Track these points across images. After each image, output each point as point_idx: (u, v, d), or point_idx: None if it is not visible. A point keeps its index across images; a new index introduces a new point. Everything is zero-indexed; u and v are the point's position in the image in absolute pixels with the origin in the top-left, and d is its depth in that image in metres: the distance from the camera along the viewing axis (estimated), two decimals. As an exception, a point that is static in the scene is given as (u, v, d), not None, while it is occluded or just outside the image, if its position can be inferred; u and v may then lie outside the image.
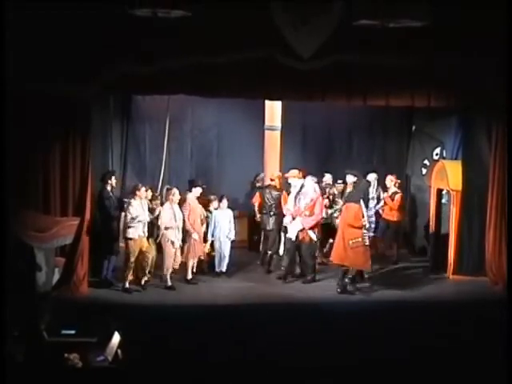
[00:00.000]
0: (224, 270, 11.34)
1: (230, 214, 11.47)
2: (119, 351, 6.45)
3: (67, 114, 9.86)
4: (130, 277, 10.40)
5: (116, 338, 6.55)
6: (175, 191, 10.76)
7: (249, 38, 9.62)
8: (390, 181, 12.25)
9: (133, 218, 10.23)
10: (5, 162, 7.25)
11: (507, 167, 10.46)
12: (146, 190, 10.60)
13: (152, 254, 10.50)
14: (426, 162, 12.98)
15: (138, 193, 10.38)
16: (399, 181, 12.39)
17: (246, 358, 7.68)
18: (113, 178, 10.89)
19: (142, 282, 10.47)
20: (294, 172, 11.45)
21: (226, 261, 11.37)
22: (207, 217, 11.30)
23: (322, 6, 9.47)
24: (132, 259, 10.26)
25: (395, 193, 12.13)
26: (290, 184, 11.63)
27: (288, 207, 11.13)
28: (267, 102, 12.44)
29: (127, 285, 10.33)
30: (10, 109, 7.57)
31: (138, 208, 10.32)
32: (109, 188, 10.75)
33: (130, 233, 10.26)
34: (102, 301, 9.79)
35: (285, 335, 8.42)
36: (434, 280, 11.35)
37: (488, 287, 10.98)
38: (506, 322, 7.67)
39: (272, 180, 12.07)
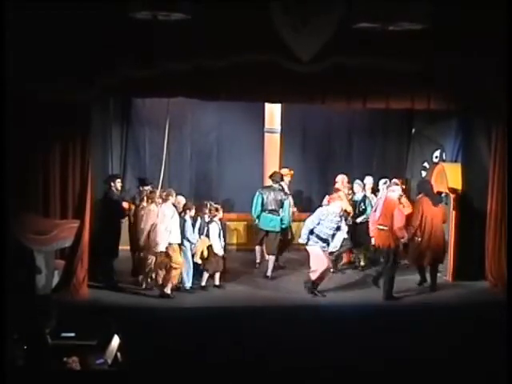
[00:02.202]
0: (187, 286, 10.54)
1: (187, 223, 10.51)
2: (119, 354, 6.39)
3: (67, 116, 9.77)
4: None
5: (116, 340, 6.49)
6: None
7: (249, 41, 9.56)
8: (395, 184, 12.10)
9: (169, 225, 10.13)
10: (5, 163, 7.18)
11: (507, 169, 10.38)
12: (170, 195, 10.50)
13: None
14: (426, 164, 12.95)
15: (170, 198, 10.33)
16: (404, 186, 12.13)
17: (246, 360, 7.64)
18: (117, 181, 10.90)
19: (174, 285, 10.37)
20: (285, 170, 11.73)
21: (189, 276, 10.53)
22: None
23: (321, 8, 9.42)
24: (174, 264, 10.15)
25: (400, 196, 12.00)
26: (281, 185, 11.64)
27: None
28: (267, 105, 12.42)
29: (169, 290, 10.21)
30: (9, 110, 7.51)
31: (174, 214, 10.25)
32: (113, 191, 10.74)
33: (172, 239, 10.17)
34: (102, 303, 9.73)
35: (283, 336, 8.39)
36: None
37: (488, 290, 10.91)
38: (506, 324, 7.61)
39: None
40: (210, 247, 10.66)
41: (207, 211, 10.76)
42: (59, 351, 6.09)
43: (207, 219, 10.73)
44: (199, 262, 10.62)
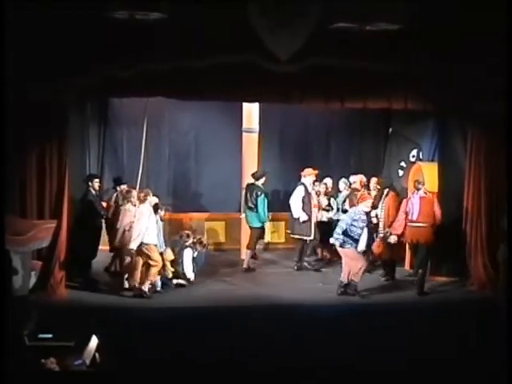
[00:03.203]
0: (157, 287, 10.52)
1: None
2: (97, 355, 6.38)
3: (44, 116, 9.72)
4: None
5: (94, 341, 6.47)
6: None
7: (227, 41, 9.58)
8: (375, 183, 12.17)
9: (147, 225, 10.10)
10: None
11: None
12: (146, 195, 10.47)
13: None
14: (403, 164, 13.05)
15: (148, 198, 10.31)
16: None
17: (228, 359, 7.62)
18: (95, 180, 10.90)
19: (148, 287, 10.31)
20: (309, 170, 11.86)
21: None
22: None
23: (299, 8, 9.46)
24: (153, 262, 10.09)
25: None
26: (303, 184, 11.78)
27: None
28: (245, 105, 12.43)
29: (146, 288, 10.15)
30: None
31: (151, 215, 10.24)
32: (91, 191, 10.74)
33: (148, 239, 10.13)
34: (80, 304, 9.67)
35: (266, 335, 8.38)
36: (411, 281, 11.34)
37: (464, 288, 10.98)
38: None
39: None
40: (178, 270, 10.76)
41: (179, 238, 10.94)
42: (37, 352, 6.07)
43: (181, 246, 10.84)
44: (170, 275, 10.67)
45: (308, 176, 11.91)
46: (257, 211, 11.77)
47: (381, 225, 11.27)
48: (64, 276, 10.05)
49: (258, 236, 12.06)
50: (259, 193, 11.77)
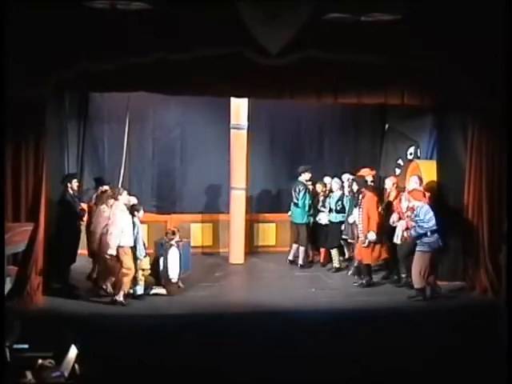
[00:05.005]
0: (138, 292, 10.40)
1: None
2: (76, 366, 6.32)
3: (20, 112, 9.61)
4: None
5: (73, 351, 6.41)
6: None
7: (214, 33, 9.55)
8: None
9: (121, 226, 10.00)
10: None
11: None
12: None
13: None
14: (400, 161, 13.06)
15: (120, 197, 10.21)
16: None
17: (210, 367, 7.61)
18: (74, 181, 10.87)
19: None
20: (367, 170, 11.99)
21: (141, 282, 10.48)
22: None
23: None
24: (125, 270, 9.98)
25: None
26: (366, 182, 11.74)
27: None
28: (233, 100, 12.40)
29: (121, 297, 10.04)
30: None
31: (124, 215, 10.14)
32: (70, 192, 10.70)
33: (123, 241, 10.01)
34: (58, 312, 9.62)
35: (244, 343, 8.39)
36: (408, 284, 11.35)
37: (464, 292, 11.00)
38: (483, 327, 7.72)
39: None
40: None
41: (165, 236, 10.85)
42: (11, 364, 6.00)
43: (166, 245, 10.71)
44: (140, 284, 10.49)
45: (366, 176, 11.84)
46: (300, 207, 12.20)
47: (360, 228, 11.15)
48: (41, 282, 9.98)
49: (305, 232, 12.33)
50: (301, 188, 12.18)
